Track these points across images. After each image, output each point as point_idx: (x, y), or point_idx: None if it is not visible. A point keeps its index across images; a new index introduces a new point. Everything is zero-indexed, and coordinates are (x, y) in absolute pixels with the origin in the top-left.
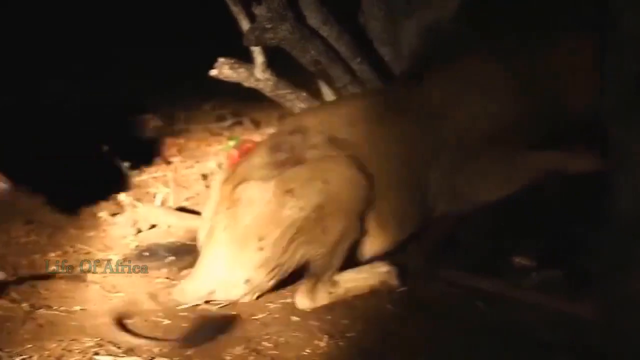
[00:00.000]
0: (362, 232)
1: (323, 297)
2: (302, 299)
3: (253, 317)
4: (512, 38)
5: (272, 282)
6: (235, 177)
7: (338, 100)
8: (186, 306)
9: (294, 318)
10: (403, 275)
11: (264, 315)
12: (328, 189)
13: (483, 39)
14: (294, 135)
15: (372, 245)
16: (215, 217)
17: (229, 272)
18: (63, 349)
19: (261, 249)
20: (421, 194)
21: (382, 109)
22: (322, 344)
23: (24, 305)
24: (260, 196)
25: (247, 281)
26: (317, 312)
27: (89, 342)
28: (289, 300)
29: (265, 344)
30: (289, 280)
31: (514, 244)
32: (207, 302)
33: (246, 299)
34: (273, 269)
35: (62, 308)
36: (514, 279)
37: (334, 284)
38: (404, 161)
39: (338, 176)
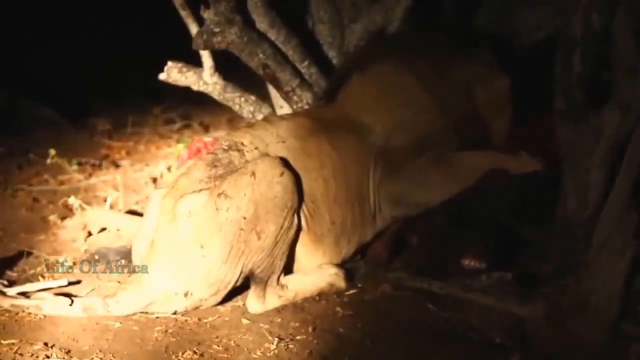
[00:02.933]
0: (298, 249)
1: (273, 301)
2: (253, 303)
3: (203, 320)
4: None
5: (213, 298)
6: (175, 192)
7: (271, 118)
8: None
9: (244, 321)
10: (351, 277)
11: (213, 318)
12: (256, 183)
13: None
14: (230, 151)
15: (313, 260)
16: (156, 231)
17: (169, 284)
18: (15, 353)
19: (203, 256)
20: (361, 204)
21: (311, 126)
22: (272, 346)
23: None
24: (197, 206)
25: (188, 294)
26: (267, 315)
27: (38, 346)
28: (239, 303)
29: (216, 347)
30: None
31: (464, 246)
32: (144, 313)
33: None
34: (214, 283)
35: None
36: (464, 281)
37: (283, 287)
38: (338, 174)
39: (265, 169)
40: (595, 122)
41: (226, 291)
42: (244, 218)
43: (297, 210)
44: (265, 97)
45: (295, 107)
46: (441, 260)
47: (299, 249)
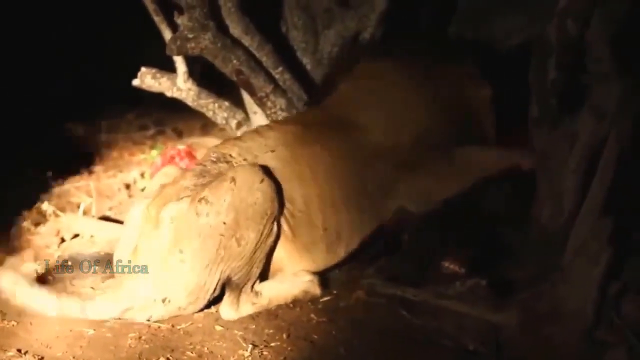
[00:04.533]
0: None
1: (247, 308)
2: (227, 309)
3: (176, 327)
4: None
5: (192, 307)
6: (160, 200)
7: (259, 128)
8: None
9: (218, 327)
10: (325, 284)
11: (187, 325)
12: (236, 189)
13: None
14: (219, 163)
15: (301, 267)
16: (139, 238)
17: (147, 290)
18: None
19: (182, 261)
20: (359, 206)
21: (301, 132)
22: (247, 353)
23: None
24: (178, 212)
25: (166, 300)
26: (241, 321)
27: (11, 352)
28: (212, 310)
29: (189, 354)
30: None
31: (444, 249)
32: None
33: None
34: (193, 290)
35: None
36: (439, 287)
37: (257, 294)
38: (332, 178)
39: (245, 176)
40: (570, 128)
41: (205, 300)
42: (224, 224)
43: (278, 218)
44: (239, 103)
45: (268, 112)
46: (421, 263)
47: (286, 257)
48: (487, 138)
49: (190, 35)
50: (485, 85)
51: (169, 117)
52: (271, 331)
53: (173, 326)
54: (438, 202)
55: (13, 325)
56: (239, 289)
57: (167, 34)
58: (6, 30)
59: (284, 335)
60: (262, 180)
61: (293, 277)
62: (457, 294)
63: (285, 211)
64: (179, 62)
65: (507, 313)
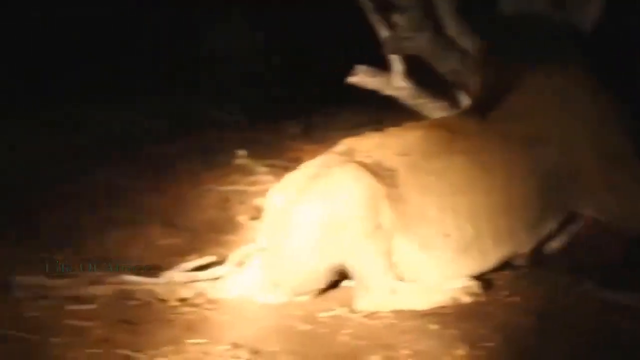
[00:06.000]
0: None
1: (377, 304)
2: (356, 301)
3: (392, 324)
4: None
5: (300, 293)
6: (279, 186)
7: (412, 124)
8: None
9: (433, 326)
10: (478, 292)
11: (402, 322)
12: (331, 184)
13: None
14: (341, 155)
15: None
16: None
17: (262, 273)
18: (202, 352)
19: (288, 247)
20: (519, 215)
21: (447, 139)
22: (461, 352)
23: (163, 305)
24: (284, 201)
25: (277, 284)
26: (456, 321)
27: (226, 346)
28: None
29: (403, 351)
30: None
31: None
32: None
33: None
34: (299, 277)
35: (205, 307)
36: None
37: (393, 291)
38: (474, 191)
39: (342, 174)
40: None
41: (313, 288)
42: (320, 217)
43: (390, 221)
44: (454, 103)
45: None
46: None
47: (406, 257)
48: None
49: (407, 35)
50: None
51: (386, 115)
52: (486, 332)
53: (389, 324)
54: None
55: (228, 319)
56: (365, 282)
57: (384, 33)
58: None
59: (498, 337)
60: (356, 179)
61: (441, 282)
62: None
63: (408, 217)
64: (396, 61)
65: None
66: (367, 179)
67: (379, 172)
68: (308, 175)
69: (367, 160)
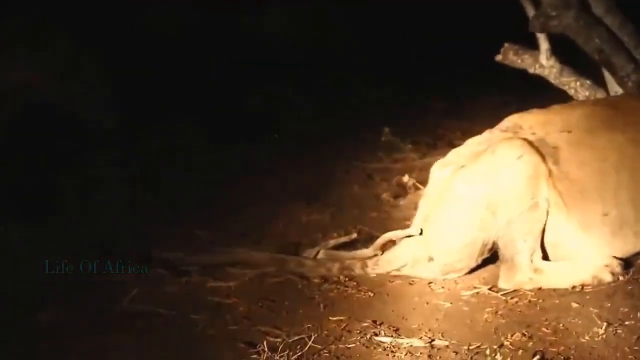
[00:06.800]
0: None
1: (522, 282)
2: (501, 279)
3: (533, 302)
4: None
5: (454, 269)
6: (440, 162)
7: (574, 103)
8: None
9: (574, 304)
10: (620, 271)
11: (543, 300)
12: (493, 161)
13: None
14: (506, 132)
15: (580, 248)
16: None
17: (417, 248)
18: (342, 329)
19: (443, 223)
20: None
21: (609, 117)
22: (601, 331)
23: (305, 283)
24: (443, 177)
25: (430, 259)
26: (597, 299)
27: (367, 323)
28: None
29: (544, 329)
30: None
31: None
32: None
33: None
34: (453, 253)
35: (347, 285)
36: None
37: (537, 270)
38: (627, 168)
39: (504, 150)
40: None
41: (467, 264)
42: (479, 193)
43: (549, 198)
44: (599, 82)
45: (629, 92)
46: None
47: (563, 236)
48: None
49: (553, 13)
50: None
51: (532, 94)
52: (626, 310)
53: (530, 302)
54: None
55: (370, 296)
56: (511, 261)
57: (530, 11)
58: None
59: (639, 315)
60: (520, 156)
61: (584, 261)
62: None
63: (568, 195)
64: (542, 39)
65: None
66: (531, 157)
67: (543, 149)
68: (473, 150)
69: (531, 137)
